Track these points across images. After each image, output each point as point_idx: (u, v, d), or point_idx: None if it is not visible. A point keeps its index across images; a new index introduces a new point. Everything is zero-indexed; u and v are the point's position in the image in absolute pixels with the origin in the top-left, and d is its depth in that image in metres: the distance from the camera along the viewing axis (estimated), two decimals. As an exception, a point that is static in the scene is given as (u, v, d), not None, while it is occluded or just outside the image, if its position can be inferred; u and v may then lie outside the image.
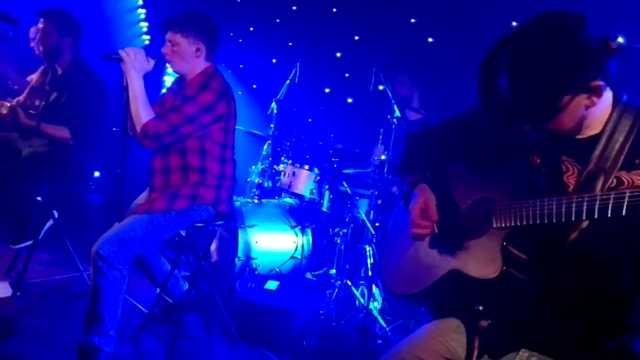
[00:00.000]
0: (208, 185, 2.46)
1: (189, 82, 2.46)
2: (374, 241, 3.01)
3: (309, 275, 3.52)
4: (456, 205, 1.52)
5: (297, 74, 3.72)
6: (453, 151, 1.60)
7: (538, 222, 1.22)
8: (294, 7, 4.50)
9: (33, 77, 3.59)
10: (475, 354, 1.38)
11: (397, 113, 2.80)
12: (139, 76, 2.26)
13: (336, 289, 3.04)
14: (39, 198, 3.11)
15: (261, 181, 3.59)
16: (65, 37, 3.08)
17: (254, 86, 4.70)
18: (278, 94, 3.87)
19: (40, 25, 3.06)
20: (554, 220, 1.19)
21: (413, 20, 3.99)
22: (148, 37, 5.24)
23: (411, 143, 1.72)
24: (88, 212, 4.55)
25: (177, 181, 2.44)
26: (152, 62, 2.31)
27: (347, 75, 4.35)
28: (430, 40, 4.01)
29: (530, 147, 1.38)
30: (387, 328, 3.00)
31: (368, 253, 3.15)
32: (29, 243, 3.07)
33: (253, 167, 3.79)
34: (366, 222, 3.04)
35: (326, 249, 3.69)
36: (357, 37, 4.23)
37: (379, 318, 3.03)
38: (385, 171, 2.84)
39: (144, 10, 5.14)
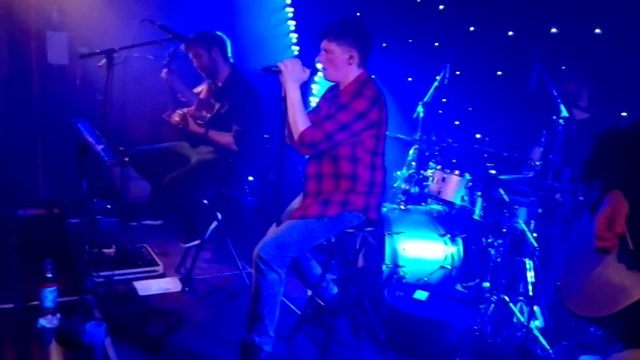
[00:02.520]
0: (359, 192, 2.47)
1: (342, 90, 2.49)
2: (536, 254, 2.74)
3: (459, 287, 3.34)
4: None
5: (447, 75, 3.57)
6: None
7: None
8: (441, 7, 4.35)
9: (200, 89, 3.94)
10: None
11: (564, 113, 2.52)
12: (297, 86, 2.34)
13: (492, 305, 2.83)
14: (205, 201, 3.41)
15: (407, 187, 3.51)
16: (212, 50, 3.34)
17: (409, 79, 4.55)
18: (425, 97, 3.76)
19: (190, 54, 3.35)
20: None
21: (575, 10, 3.58)
22: (297, 47, 5.46)
23: (600, 147, 1.52)
24: (244, 214, 4.88)
25: (328, 187, 2.49)
26: (308, 72, 2.37)
27: (499, 73, 4.07)
28: (597, 31, 3.58)
29: None
30: (551, 351, 2.72)
31: (528, 267, 2.89)
32: (197, 242, 3.37)
33: (398, 173, 3.72)
34: (527, 233, 2.79)
35: (477, 260, 3.48)
36: (510, 33, 3.94)
37: (541, 338, 2.76)
38: (550, 177, 2.57)
39: (293, 22, 5.38)
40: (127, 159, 2.67)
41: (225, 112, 3.33)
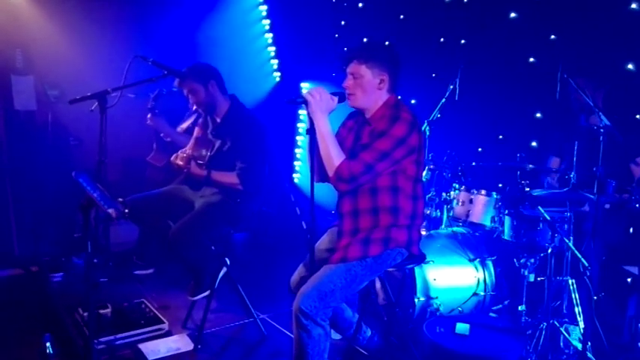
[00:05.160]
0: (400, 226, 2.24)
1: (373, 116, 2.27)
2: (587, 273, 2.56)
3: (492, 314, 3.14)
4: None
5: (457, 91, 3.41)
6: None
7: None
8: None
9: (184, 126, 3.65)
10: None
11: (605, 121, 2.38)
12: (326, 117, 2.10)
13: (543, 332, 2.63)
14: (212, 247, 3.10)
15: (428, 212, 3.30)
16: (209, 84, 3.05)
17: (413, 101, 4.36)
18: (431, 115, 3.59)
19: (185, 91, 3.08)
20: None
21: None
22: (279, 73, 5.27)
23: None
24: (235, 251, 4.56)
25: (366, 224, 2.24)
26: (336, 100, 2.15)
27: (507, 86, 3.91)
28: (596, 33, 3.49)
29: None
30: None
31: (571, 287, 2.72)
32: (206, 293, 3.05)
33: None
34: (574, 250, 2.62)
35: (505, 281, 3.28)
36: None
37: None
38: (595, 190, 2.41)
39: (274, 48, 5.21)
40: (127, 210, 2.36)
41: (228, 149, 3.04)
